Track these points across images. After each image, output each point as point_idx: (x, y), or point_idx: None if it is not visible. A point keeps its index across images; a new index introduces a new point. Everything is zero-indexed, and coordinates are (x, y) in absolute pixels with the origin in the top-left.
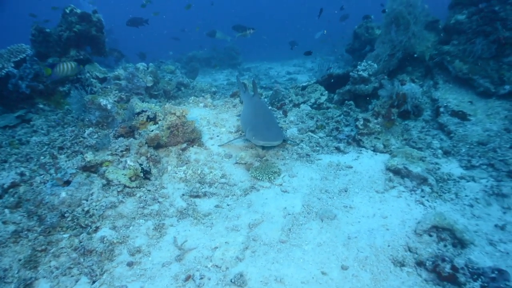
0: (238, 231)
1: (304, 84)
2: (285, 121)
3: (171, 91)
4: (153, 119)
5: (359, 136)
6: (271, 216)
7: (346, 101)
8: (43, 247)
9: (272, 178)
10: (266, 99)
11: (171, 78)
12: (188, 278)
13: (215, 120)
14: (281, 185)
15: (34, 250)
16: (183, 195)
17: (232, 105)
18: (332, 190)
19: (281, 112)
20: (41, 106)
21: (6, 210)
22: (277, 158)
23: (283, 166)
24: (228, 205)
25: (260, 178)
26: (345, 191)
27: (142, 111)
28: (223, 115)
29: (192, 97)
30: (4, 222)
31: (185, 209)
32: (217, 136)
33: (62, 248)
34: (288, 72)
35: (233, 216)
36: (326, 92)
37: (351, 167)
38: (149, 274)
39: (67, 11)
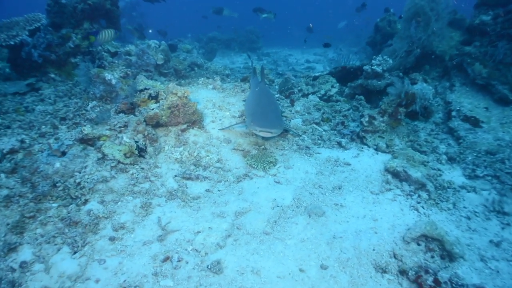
0: (223, 217)
1: (316, 74)
2: (291, 111)
3: (182, 70)
4: (155, 98)
5: (363, 133)
6: (260, 206)
7: (357, 96)
8: (32, 214)
9: (267, 167)
10: (277, 86)
11: (185, 58)
12: (166, 259)
13: (221, 103)
14: (275, 175)
15: (22, 216)
16: (175, 176)
17: (241, 89)
18: (326, 186)
19: (288, 101)
20: (52, 75)
21: (2, 175)
22: (276, 148)
23: (280, 157)
24: (219, 190)
25: (255, 167)
26: (339, 188)
27: (145, 88)
28: (230, 99)
29: (202, 78)
30: None
31: (175, 190)
32: (220, 120)
33: (50, 217)
34: (308, 61)
35: (221, 202)
36: (338, 84)
37: (349, 164)
38: (129, 251)
39: None
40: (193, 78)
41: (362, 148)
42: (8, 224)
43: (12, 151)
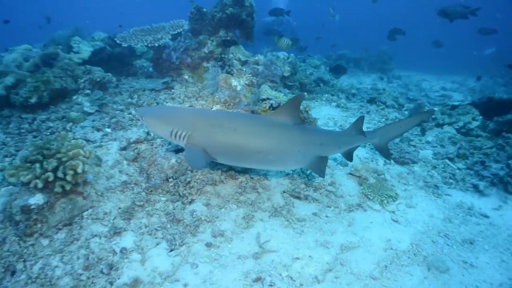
0: (327, 248)
1: (455, 103)
2: (420, 140)
3: (307, 84)
4: (275, 108)
5: (508, 178)
6: (370, 244)
7: (504, 133)
8: (142, 203)
9: (385, 201)
10: (406, 112)
11: (311, 73)
12: (258, 279)
13: (342, 122)
14: (393, 212)
15: (133, 203)
16: (284, 192)
17: (366, 111)
18: (454, 237)
19: (419, 129)
20: (185, 77)
21: (124, 162)
22: (399, 181)
23: (402, 192)
24: (327, 216)
25: (371, 198)
26: (471, 243)
27: (267, 98)
28: (353, 119)
29: (327, 95)
30: (120, 171)
31: (280, 207)
32: None
33: (156, 209)
34: (443, 88)
35: (327, 230)
36: (481, 117)
37: (487, 217)
38: (223, 261)
39: None
40: (318, 93)
41: (506, 198)
42: (119, 208)
43: (137, 141)
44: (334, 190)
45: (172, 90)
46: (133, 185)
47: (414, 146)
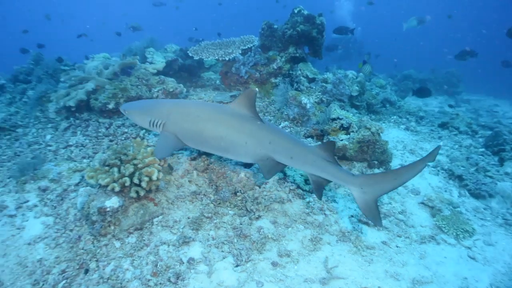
0: (397, 280)
1: None
2: (498, 171)
3: (374, 105)
4: (346, 129)
5: None
6: (444, 281)
7: None
8: (210, 215)
9: (461, 236)
10: (481, 139)
11: (378, 93)
12: None
13: (412, 147)
14: (469, 248)
15: (202, 214)
16: (351, 216)
17: (438, 135)
18: None
19: (496, 159)
20: None
21: (195, 172)
22: (475, 215)
23: (479, 227)
24: (397, 246)
25: (445, 231)
26: None
27: (338, 118)
28: (423, 144)
29: (395, 117)
30: (190, 181)
31: (348, 232)
32: None
33: (224, 222)
34: None
35: (398, 261)
36: None
37: None
38: (289, 283)
39: (295, 11)
40: (384, 114)
41: None
42: (188, 218)
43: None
44: (405, 219)
45: None
46: (202, 196)
47: (491, 177)
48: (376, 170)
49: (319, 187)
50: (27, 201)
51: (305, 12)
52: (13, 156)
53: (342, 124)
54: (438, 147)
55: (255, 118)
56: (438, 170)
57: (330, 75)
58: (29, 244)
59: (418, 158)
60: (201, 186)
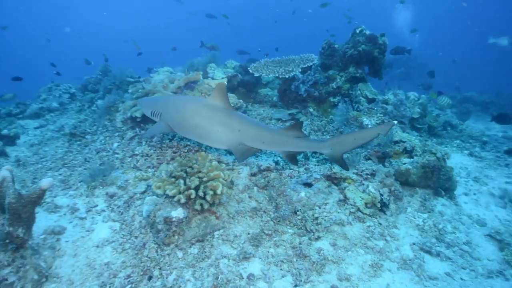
0: None
1: None
2: None
3: (436, 128)
4: (409, 152)
5: None
6: None
7: None
8: (270, 232)
9: None
10: None
11: (438, 115)
12: None
13: (477, 174)
14: None
15: (262, 231)
16: (413, 244)
17: (504, 163)
18: None
19: None
20: (311, 109)
21: (255, 188)
22: None
23: None
24: (462, 279)
25: None
26: None
27: (401, 140)
28: (489, 171)
29: (458, 141)
30: (250, 197)
31: (410, 260)
32: (474, 194)
33: (283, 240)
34: None
35: None
36: None
37: None
38: None
39: (357, 31)
40: (446, 138)
41: None
42: (248, 234)
43: (267, 169)
44: (470, 250)
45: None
46: (262, 212)
47: None
48: (442, 200)
49: (292, 159)
50: (96, 205)
51: (367, 32)
52: (84, 162)
53: (405, 147)
54: (392, 123)
55: (227, 108)
56: (506, 202)
57: (391, 96)
58: (97, 246)
59: (483, 187)
60: (261, 203)
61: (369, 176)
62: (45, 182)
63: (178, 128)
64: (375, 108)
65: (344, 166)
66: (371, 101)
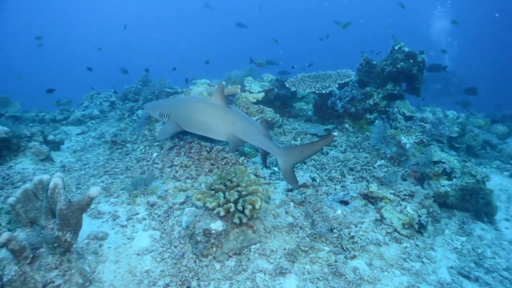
0: None
1: None
2: None
3: (475, 147)
4: (448, 174)
5: None
6: None
7: None
8: (306, 248)
9: None
10: None
11: (477, 134)
12: None
13: None
14: None
15: (298, 247)
16: (451, 267)
17: None
18: None
19: None
20: (346, 125)
21: (292, 204)
22: None
23: None
24: None
25: None
26: None
27: (440, 161)
28: None
29: (498, 161)
30: (286, 212)
31: (447, 283)
32: None
33: (319, 258)
34: None
35: None
36: None
37: None
38: None
39: (396, 48)
40: (485, 158)
41: None
42: (285, 249)
43: (304, 185)
44: (510, 277)
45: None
46: (298, 228)
47: None
48: (482, 224)
49: (264, 157)
50: (137, 213)
51: (406, 49)
52: (125, 170)
53: (444, 169)
54: (333, 136)
55: (225, 105)
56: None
57: (429, 115)
58: (138, 254)
59: None
60: (297, 218)
61: (407, 197)
62: (93, 191)
63: (187, 125)
64: (413, 127)
65: (292, 181)
66: (408, 118)
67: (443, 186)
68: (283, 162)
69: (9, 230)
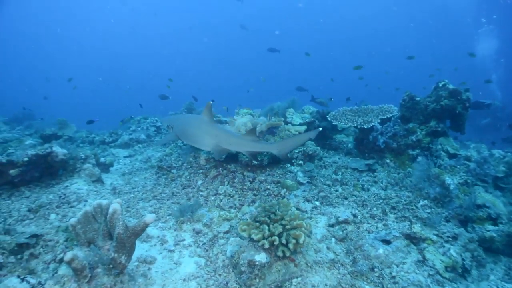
0: None
1: None
2: None
3: None
4: (494, 219)
5: None
6: None
7: None
8: (347, 286)
9: None
10: None
11: None
12: None
13: None
14: None
15: (339, 284)
16: None
17: None
18: None
19: None
20: (387, 161)
21: (333, 239)
22: None
23: None
24: None
25: None
26: None
27: (484, 205)
28: None
29: None
30: (327, 248)
31: None
32: None
33: None
34: None
35: None
36: None
37: None
38: None
39: (440, 85)
40: None
41: None
42: (326, 285)
43: (345, 222)
44: None
45: (375, 173)
46: (339, 265)
47: None
48: None
49: (253, 156)
50: (184, 239)
51: (450, 87)
52: (171, 196)
53: (489, 214)
54: (318, 130)
55: (211, 121)
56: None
57: (474, 153)
58: (184, 280)
59: None
60: (338, 255)
61: (450, 239)
62: (149, 218)
63: (183, 137)
64: (458, 166)
65: (287, 160)
66: (452, 156)
67: (488, 231)
68: (279, 152)
69: (66, 248)
